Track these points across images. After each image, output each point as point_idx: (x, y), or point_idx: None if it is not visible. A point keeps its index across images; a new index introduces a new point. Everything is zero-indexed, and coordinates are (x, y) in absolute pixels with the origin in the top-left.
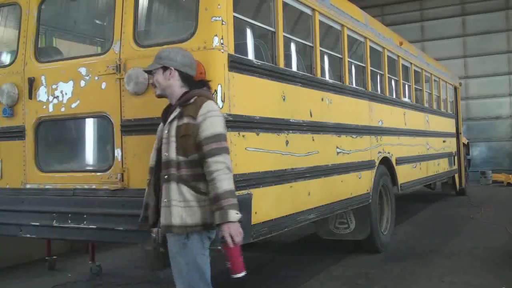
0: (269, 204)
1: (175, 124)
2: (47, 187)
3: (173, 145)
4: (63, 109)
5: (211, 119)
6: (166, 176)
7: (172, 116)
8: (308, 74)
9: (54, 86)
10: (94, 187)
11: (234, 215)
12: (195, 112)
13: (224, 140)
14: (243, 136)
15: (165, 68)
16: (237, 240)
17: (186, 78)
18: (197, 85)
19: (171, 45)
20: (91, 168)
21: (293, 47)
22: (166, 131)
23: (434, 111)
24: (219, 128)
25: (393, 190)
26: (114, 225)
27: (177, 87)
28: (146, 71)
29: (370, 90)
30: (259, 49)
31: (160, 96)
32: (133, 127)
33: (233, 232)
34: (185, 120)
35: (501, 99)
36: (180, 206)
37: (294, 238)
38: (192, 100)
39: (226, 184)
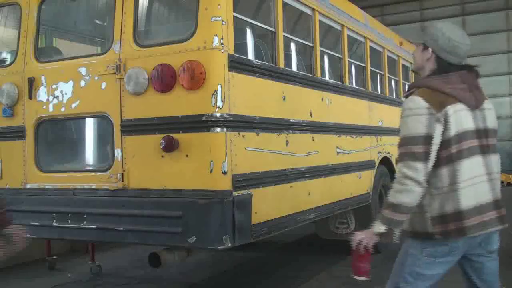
0: (269, 204)
1: None
2: (47, 187)
3: None
4: (63, 109)
5: (403, 119)
6: None
7: None
8: (308, 74)
9: (54, 86)
10: (94, 187)
11: (376, 227)
12: (401, 109)
13: (412, 144)
14: (243, 136)
15: (425, 47)
16: (355, 246)
17: (440, 64)
18: (448, 69)
19: (171, 45)
20: (91, 168)
21: (293, 47)
22: None
23: None
24: (408, 130)
25: None
26: (114, 225)
27: (427, 72)
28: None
29: (370, 90)
30: (259, 49)
31: (414, 71)
32: (133, 127)
33: (361, 238)
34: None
35: (501, 99)
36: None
37: (294, 238)
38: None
39: (391, 195)
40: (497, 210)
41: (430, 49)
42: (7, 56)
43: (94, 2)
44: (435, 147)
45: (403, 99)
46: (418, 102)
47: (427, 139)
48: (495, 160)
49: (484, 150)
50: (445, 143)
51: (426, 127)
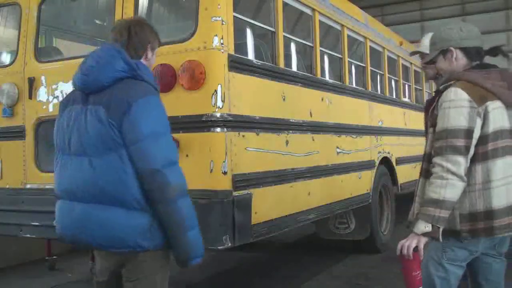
0: (269, 204)
1: (433, 113)
2: (47, 187)
3: (429, 137)
4: None
5: (444, 111)
6: (420, 170)
7: (434, 104)
8: (308, 74)
9: (54, 86)
10: None
11: (421, 227)
12: (440, 101)
13: (453, 137)
14: (243, 136)
15: (444, 52)
16: (404, 252)
17: (470, 53)
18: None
19: (171, 45)
20: None
21: (293, 47)
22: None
23: None
24: (448, 122)
25: (393, 190)
26: None
27: (462, 68)
28: (426, 64)
29: (370, 90)
30: (259, 49)
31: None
32: None
33: (407, 243)
34: (435, 110)
35: None
36: (417, 202)
37: (294, 238)
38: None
39: (433, 191)
40: None
41: (451, 48)
42: (7, 56)
43: (94, 2)
44: (474, 141)
45: (446, 92)
46: (460, 94)
47: (469, 132)
48: None
49: None
50: (482, 139)
51: (468, 121)
